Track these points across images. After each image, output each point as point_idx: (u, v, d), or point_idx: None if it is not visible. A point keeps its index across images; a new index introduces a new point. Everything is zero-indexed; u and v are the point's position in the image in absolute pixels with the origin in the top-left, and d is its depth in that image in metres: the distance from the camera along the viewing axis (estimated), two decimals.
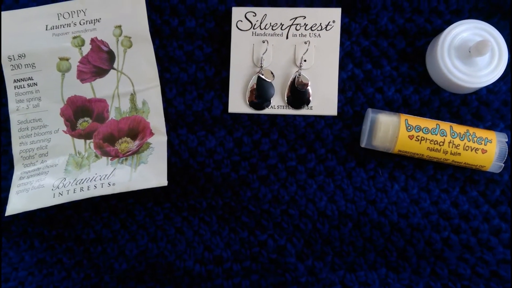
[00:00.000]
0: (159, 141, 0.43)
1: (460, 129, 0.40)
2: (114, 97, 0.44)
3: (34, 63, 0.43)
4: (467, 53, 0.39)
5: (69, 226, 0.44)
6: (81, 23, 0.43)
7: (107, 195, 0.42)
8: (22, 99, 0.43)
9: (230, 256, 0.43)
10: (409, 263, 0.41)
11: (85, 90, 0.43)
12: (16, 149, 0.43)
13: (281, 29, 0.43)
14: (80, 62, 0.43)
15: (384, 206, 0.42)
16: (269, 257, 0.42)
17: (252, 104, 0.43)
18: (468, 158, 0.39)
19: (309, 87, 0.43)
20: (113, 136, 0.44)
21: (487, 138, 0.39)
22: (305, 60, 0.43)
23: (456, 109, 0.42)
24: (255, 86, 0.43)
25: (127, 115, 0.44)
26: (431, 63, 0.41)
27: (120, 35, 0.43)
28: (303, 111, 0.43)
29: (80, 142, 0.44)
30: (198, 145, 0.43)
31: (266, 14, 0.43)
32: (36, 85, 0.43)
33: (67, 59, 0.43)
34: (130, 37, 0.43)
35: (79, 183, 0.42)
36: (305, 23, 0.43)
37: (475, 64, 0.39)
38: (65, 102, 0.43)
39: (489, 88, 0.42)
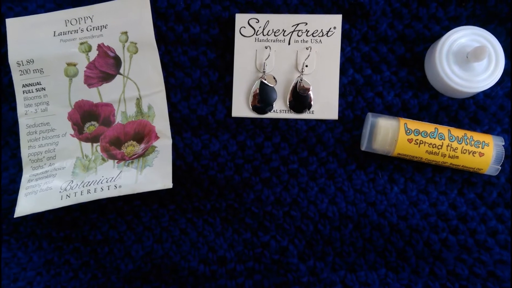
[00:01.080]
0: (164, 144, 0.44)
1: (458, 132, 0.40)
2: (120, 101, 0.44)
3: (42, 68, 0.44)
4: (464, 59, 0.39)
5: (76, 228, 0.44)
6: (88, 30, 0.44)
7: (114, 197, 0.43)
8: (31, 103, 0.44)
9: (234, 256, 0.43)
10: (408, 263, 0.42)
11: (92, 95, 0.44)
12: (24, 152, 0.44)
13: (283, 35, 0.43)
14: (87, 67, 0.44)
15: (384, 208, 0.42)
16: (272, 258, 0.43)
17: (255, 109, 0.44)
18: (466, 161, 0.40)
19: (310, 92, 0.43)
20: (120, 140, 0.44)
21: (484, 141, 0.40)
22: (306, 66, 0.43)
23: (454, 113, 0.42)
24: (258, 91, 0.43)
25: (133, 119, 0.44)
26: (430, 68, 0.42)
27: (126, 41, 0.44)
28: (305, 115, 0.43)
29: (87, 146, 0.44)
30: (202, 149, 0.44)
31: (268, 21, 0.43)
32: (44, 89, 0.44)
33: (75, 65, 0.44)
34: (136, 43, 0.44)
35: (86, 186, 0.42)
36: (306, 29, 0.43)
37: (473, 70, 0.40)
38: (73, 107, 0.44)
39: (486, 93, 0.42)
